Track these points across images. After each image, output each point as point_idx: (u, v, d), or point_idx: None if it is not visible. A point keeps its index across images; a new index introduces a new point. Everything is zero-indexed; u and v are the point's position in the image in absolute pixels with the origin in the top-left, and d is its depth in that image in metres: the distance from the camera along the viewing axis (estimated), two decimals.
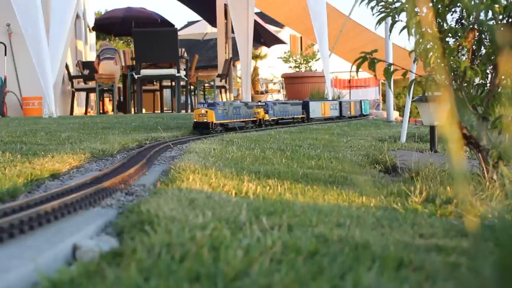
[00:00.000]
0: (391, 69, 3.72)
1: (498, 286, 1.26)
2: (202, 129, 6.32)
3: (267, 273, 1.50)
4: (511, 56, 3.24)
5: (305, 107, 9.22)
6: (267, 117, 7.76)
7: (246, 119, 7.21)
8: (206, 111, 6.37)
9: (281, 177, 3.51)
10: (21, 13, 9.39)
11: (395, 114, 13.12)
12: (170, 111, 14.74)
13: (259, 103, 7.84)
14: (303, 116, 9.12)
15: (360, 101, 12.73)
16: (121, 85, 14.80)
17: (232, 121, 6.85)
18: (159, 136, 5.64)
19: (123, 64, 13.38)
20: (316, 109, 9.68)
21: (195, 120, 6.41)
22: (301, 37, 28.56)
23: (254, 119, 7.49)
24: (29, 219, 2.05)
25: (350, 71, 16.57)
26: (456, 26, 3.52)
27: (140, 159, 3.91)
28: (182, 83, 12.43)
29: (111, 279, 1.47)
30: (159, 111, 14.99)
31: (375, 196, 3.01)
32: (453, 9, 3.52)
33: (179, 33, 13.03)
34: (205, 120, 6.35)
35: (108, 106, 15.93)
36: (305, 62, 21.28)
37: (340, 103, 11.04)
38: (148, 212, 2.12)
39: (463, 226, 2.26)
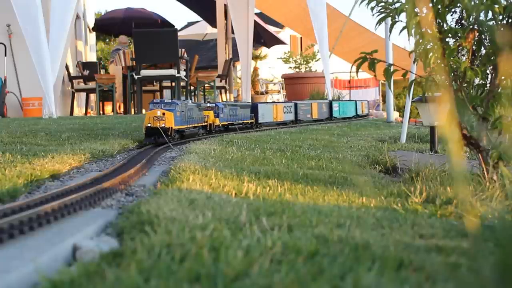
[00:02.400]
0: (391, 70, 3.72)
1: (498, 287, 1.26)
2: (157, 136, 5.05)
3: (267, 273, 1.50)
4: (511, 57, 3.24)
5: (254, 110, 7.87)
6: (217, 121, 6.49)
7: (198, 124, 5.96)
8: (164, 114, 5.09)
9: (281, 178, 3.51)
10: (21, 13, 9.39)
11: (395, 115, 13.09)
12: None
13: (209, 105, 6.55)
14: (252, 121, 7.76)
15: (330, 102, 10.86)
16: (121, 86, 14.79)
17: (187, 126, 5.63)
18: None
19: (123, 64, 13.38)
20: (267, 113, 8.23)
21: (148, 124, 5.07)
22: (301, 38, 28.56)
23: (205, 124, 6.22)
24: (29, 219, 2.05)
25: (350, 72, 16.55)
26: (456, 27, 3.52)
27: (140, 159, 3.92)
28: (182, 83, 12.43)
29: (111, 279, 1.47)
30: None
31: (375, 196, 3.01)
32: (453, 10, 3.52)
33: (179, 33, 13.03)
34: (163, 125, 5.05)
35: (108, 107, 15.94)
36: (305, 62, 21.27)
37: (296, 105, 9.28)
38: (148, 212, 2.12)
39: (463, 227, 2.26)
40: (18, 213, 2.13)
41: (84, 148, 4.47)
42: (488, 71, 3.56)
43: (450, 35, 3.51)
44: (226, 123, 6.86)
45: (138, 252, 1.66)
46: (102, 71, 14.95)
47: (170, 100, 5.33)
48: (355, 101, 12.60)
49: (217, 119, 6.49)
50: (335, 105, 10.90)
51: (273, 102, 9.86)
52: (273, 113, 8.42)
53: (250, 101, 12.90)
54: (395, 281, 1.49)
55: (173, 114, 5.15)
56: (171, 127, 5.12)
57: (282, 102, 9.53)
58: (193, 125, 5.79)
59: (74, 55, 15.67)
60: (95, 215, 2.40)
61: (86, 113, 14.51)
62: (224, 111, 6.75)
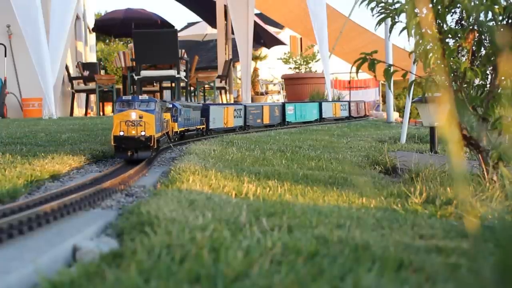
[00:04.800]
0: (391, 70, 3.72)
1: (498, 287, 1.26)
2: (135, 150, 3.76)
3: (267, 274, 1.50)
4: (511, 57, 3.24)
5: (205, 113, 6.40)
6: (175, 127, 5.03)
7: (163, 131, 4.44)
8: (141, 116, 3.75)
9: (281, 178, 3.51)
10: (21, 14, 9.40)
11: (395, 115, 13.08)
12: None
13: (167, 105, 4.85)
14: (203, 126, 6.32)
15: (283, 105, 9.35)
16: (121, 86, 14.82)
17: (162, 133, 4.33)
18: None
19: (123, 65, 13.39)
20: (218, 117, 6.84)
21: (120, 133, 3.73)
22: (301, 38, 28.57)
23: (167, 130, 4.72)
24: (28, 219, 2.05)
25: (350, 72, 16.54)
26: (456, 27, 3.52)
27: (140, 160, 3.91)
28: (182, 84, 12.43)
29: (111, 280, 1.46)
30: None
31: (375, 197, 3.01)
32: (453, 10, 3.52)
33: (179, 34, 13.03)
34: (142, 133, 3.72)
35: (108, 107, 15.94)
36: (305, 63, 21.30)
37: (245, 108, 7.85)
38: (148, 213, 2.12)
39: (463, 227, 2.26)
40: (17, 213, 2.13)
41: (84, 148, 4.48)
42: (488, 72, 3.56)
43: (450, 35, 3.51)
44: (183, 129, 5.40)
45: (138, 252, 1.66)
46: (102, 72, 14.95)
47: (146, 97, 3.88)
48: (319, 102, 11.04)
49: (176, 123, 5.03)
50: (289, 108, 9.46)
51: (225, 104, 8.32)
52: (224, 118, 7.14)
53: (250, 101, 12.90)
54: (395, 281, 1.49)
55: (154, 117, 3.82)
56: (153, 136, 3.77)
57: (233, 104, 7.95)
58: (162, 132, 4.36)
59: (74, 55, 15.68)
60: (95, 215, 2.40)
61: (86, 113, 14.51)
62: (182, 113, 5.28)
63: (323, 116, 10.71)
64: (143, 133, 3.73)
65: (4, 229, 1.90)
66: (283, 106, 9.31)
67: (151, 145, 3.75)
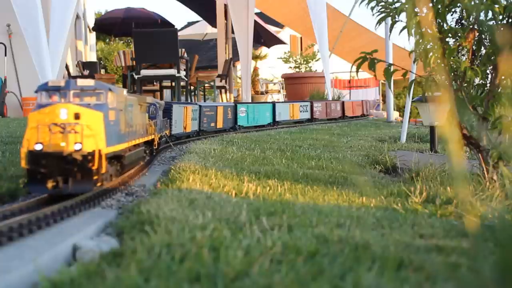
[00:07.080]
0: (391, 70, 3.72)
1: (498, 286, 1.26)
2: (63, 177, 2.36)
3: (267, 273, 1.50)
4: (511, 57, 3.24)
5: (168, 114, 5.19)
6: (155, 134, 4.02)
7: (141, 139, 3.30)
8: (78, 116, 2.39)
9: (281, 178, 3.51)
10: (21, 13, 9.39)
11: (395, 115, 13.08)
12: None
13: (145, 102, 3.62)
14: (167, 130, 5.02)
15: (235, 105, 7.97)
16: (121, 86, 14.82)
17: (128, 144, 2.94)
18: None
19: (123, 64, 13.39)
20: (179, 120, 5.77)
21: (36, 146, 2.36)
22: (301, 38, 28.57)
23: (149, 137, 3.66)
24: (28, 221, 2.05)
25: (350, 72, 16.53)
26: (456, 27, 3.52)
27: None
28: (182, 83, 12.43)
29: (111, 279, 1.47)
30: None
31: (375, 196, 3.01)
32: (453, 10, 3.52)
33: (179, 33, 13.03)
34: (76, 147, 2.36)
35: None
36: (305, 62, 21.31)
37: (200, 109, 6.61)
38: (148, 212, 2.12)
39: (463, 227, 2.26)
40: (18, 215, 2.13)
41: None
42: (488, 71, 3.56)
43: (450, 35, 3.51)
44: (159, 135, 4.24)
45: (138, 252, 1.66)
46: (102, 71, 14.96)
47: (92, 83, 2.47)
48: (272, 103, 9.56)
49: (155, 128, 3.94)
50: (241, 109, 8.09)
51: (184, 103, 7.18)
52: (184, 120, 5.97)
53: (250, 100, 12.87)
54: (395, 281, 1.49)
55: (102, 116, 2.44)
56: (97, 153, 2.39)
57: (190, 103, 6.60)
58: (131, 143, 3.00)
59: (74, 55, 15.68)
60: (95, 215, 2.40)
61: None
62: (159, 115, 4.14)
63: (277, 120, 9.24)
64: (77, 147, 2.33)
65: (5, 232, 1.90)
66: (235, 107, 8.00)
67: (94, 168, 2.34)
